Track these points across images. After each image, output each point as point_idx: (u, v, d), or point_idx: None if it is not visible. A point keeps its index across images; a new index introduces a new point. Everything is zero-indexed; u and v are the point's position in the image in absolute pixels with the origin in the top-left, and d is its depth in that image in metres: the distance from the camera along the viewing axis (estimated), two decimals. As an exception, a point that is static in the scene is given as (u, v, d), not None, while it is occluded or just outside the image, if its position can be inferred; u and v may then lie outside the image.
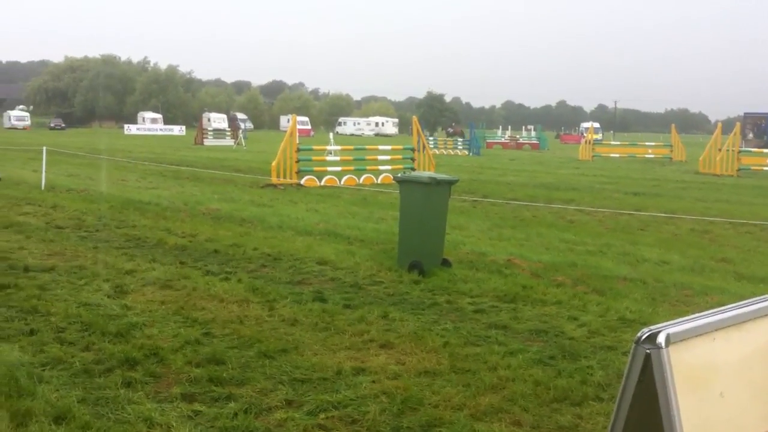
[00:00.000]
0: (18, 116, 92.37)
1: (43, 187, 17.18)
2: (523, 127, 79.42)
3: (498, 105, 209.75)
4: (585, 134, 55.46)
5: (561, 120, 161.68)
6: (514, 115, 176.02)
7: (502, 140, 66.82)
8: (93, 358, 5.42)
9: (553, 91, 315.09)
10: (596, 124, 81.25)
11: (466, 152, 49.07)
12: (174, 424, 4.34)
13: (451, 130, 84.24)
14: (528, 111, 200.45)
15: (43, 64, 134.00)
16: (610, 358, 5.73)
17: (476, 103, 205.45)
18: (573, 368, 5.48)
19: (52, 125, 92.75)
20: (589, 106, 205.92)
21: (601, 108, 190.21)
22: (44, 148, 19.43)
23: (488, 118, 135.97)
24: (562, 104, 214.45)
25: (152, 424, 4.34)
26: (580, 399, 4.89)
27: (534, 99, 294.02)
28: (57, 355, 5.43)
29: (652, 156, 44.49)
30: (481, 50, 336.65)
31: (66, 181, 19.08)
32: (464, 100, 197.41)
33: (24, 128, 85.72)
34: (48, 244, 10.00)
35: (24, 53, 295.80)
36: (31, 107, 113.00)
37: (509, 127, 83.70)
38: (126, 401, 4.64)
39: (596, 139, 50.14)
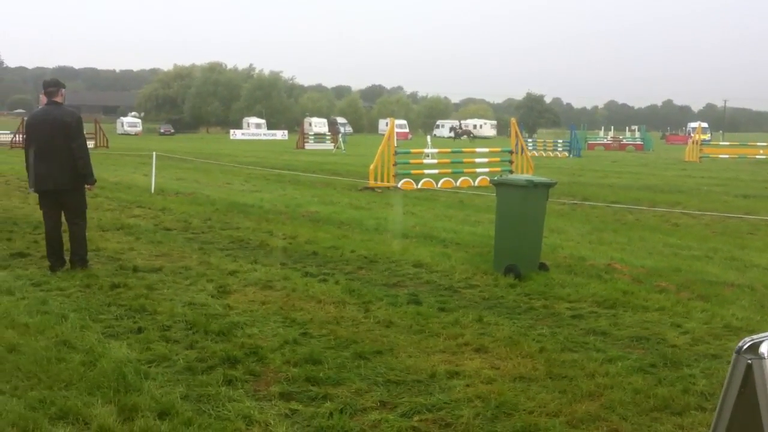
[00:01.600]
0: (130, 122, 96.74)
1: (152, 191, 17.94)
2: (627, 128, 77.35)
3: (600, 105, 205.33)
4: (692, 134, 53.45)
5: (667, 120, 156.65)
6: (617, 115, 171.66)
7: (605, 141, 65.23)
8: (196, 356, 5.63)
9: (658, 90, 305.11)
10: (704, 124, 78.05)
11: (567, 154, 48.19)
12: (272, 422, 4.45)
13: (460, 131, 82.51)
14: (632, 111, 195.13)
15: (154, 72, 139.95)
16: (714, 366, 5.51)
17: (578, 104, 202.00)
18: (675, 377, 5.30)
19: (162, 131, 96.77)
20: (697, 106, 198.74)
21: (710, 107, 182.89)
22: (154, 153, 20.28)
23: (590, 118, 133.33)
24: (668, 104, 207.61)
25: (251, 422, 4.46)
26: (681, 408, 4.73)
27: (639, 99, 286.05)
28: (162, 353, 5.66)
29: (763, 157, 42.42)
30: (583, 49, 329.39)
31: (174, 185, 19.86)
32: (565, 100, 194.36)
33: (136, 134, 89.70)
34: (156, 246, 10.44)
35: (136, 62, 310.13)
36: (143, 114, 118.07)
37: (612, 127, 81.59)
38: (226, 399, 4.79)
39: (704, 140, 48.25)
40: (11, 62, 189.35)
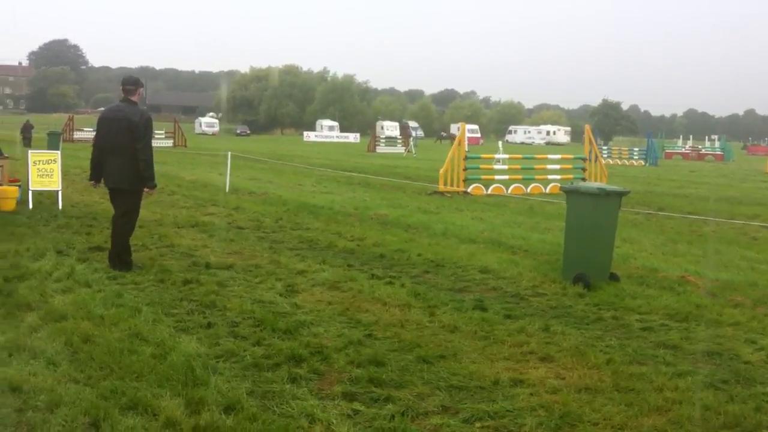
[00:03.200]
0: (208, 123, 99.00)
1: (227, 190, 18.34)
2: (706, 137, 75.30)
3: (679, 113, 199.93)
4: (776, 145, 51.61)
5: (749, 130, 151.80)
6: (696, 124, 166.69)
7: (683, 150, 63.70)
8: (263, 353, 5.72)
9: (740, 99, 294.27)
10: (789, 135, 75.30)
11: (642, 163, 47.22)
12: (334, 422, 4.49)
13: (444, 134, 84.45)
14: (712, 120, 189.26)
15: (231, 74, 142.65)
16: (790, 386, 5.32)
17: (656, 112, 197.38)
18: (747, 394, 5.14)
19: (238, 132, 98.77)
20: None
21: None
22: (229, 153, 20.71)
23: (668, 127, 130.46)
24: (750, 113, 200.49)
25: (314, 420, 4.51)
26: (752, 427, 4.57)
27: (719, 107, 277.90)
28: (230, 348, 5.78)
29: None
30: (661, 55, 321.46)
31: (248, 185, 20.23)
32: (642, 108, 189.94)
33: (213, 134, 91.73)
34: (228, 244, 10.66)
35: (215, 64, 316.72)
36: (220, 114, 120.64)
37: (691, 136, 79.46)
38: (290, 396, 4.86)
39: (788, 151, 46.55)
40: (96, 62, 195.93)
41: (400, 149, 57.27)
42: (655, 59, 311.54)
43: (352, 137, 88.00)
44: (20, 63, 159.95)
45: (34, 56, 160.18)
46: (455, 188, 20.10)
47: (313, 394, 4.94)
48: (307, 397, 4.86)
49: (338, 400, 4.85)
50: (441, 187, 20.12)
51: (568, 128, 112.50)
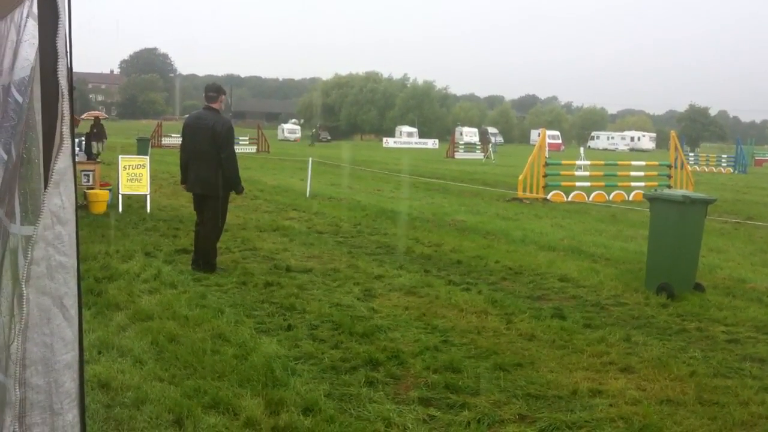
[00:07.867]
0: (290, 129, 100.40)
1: (307, 195, 18.61)
2: (801, 143, 72.20)
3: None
4: None
5: None
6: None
7: (775, 157, 61.24)
8: (340, 356, 5.81)
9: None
10: None
11: (731, 170, 45.64)
12: (410, 426, 4.53)
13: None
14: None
15: (314, 81, 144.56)
16: None
17: (745, 117, 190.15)
18: (841, 412, 4.92)
19: (319, 138, 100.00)
20: None
21: None
22: (310, 159, 21.02)
23: (759, 133, 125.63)
24: None
25: (390, 424, 4.56)
26: None
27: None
28: (309, 351, 5.89)
29: None
30: (751, 59, 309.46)
31: (328, 190, 20.48)
32: (731, 113, 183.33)
33: (295, 140, 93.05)
34: (308, 248, 10.83)
35: (297, 71, 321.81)
36: (302, 121, 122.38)
37: (784, 143, 76.37)
38: (367, 400, 4.92)
39: None
40: (183, 70, 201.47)
41: (479, 155, 56.93)
42: (745, 63, 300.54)
43: (431, 143, 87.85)
44: (112, 71, 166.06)
45: (125, 64, 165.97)
46: (534, 195, 19.87)
47: (389, 398, 4.98)
48: (384, 401, 4.91)
49: (414, 404, 4.89)
50: (520, 194, 19.93)
51: (653, 134, 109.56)
